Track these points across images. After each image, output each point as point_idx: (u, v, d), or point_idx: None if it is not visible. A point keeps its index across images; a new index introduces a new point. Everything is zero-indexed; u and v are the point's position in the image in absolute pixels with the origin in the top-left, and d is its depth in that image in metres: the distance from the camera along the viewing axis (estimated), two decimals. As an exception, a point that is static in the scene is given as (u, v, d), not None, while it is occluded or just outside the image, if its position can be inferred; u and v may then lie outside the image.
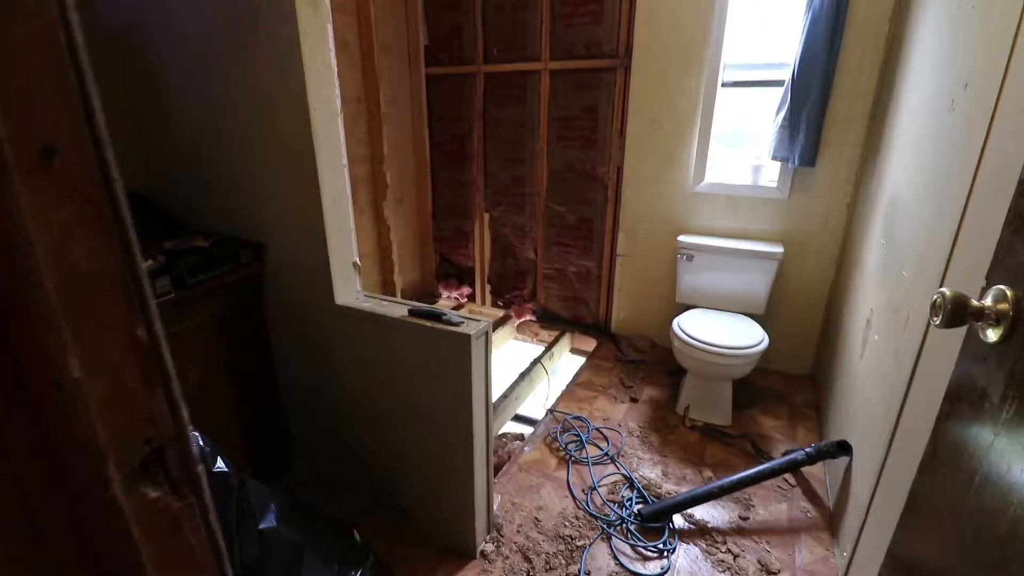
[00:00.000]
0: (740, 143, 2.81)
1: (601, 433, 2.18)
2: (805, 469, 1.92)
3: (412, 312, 1.43)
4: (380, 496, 1.76)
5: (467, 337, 1.32)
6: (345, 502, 1.80)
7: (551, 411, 2.36)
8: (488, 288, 3.50)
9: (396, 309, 1.48)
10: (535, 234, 3.18)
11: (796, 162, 2.34)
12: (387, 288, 3.29)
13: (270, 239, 1.63)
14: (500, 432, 2.46)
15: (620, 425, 2.25)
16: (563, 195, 3.02)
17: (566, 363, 3.43)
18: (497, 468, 2.12)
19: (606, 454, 2.04)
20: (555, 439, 2.13)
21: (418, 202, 3.45)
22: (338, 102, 1.44)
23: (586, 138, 2.85)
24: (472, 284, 3.56)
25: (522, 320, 3.37)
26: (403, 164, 3.25)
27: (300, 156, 1.42)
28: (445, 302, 3.68)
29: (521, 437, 2.36)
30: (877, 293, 1.69)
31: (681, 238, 2.59)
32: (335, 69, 1.41)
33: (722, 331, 2.20)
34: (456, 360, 1.36)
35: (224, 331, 1.61)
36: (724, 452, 2.09)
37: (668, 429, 2.23)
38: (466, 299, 3.61)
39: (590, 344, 3.17)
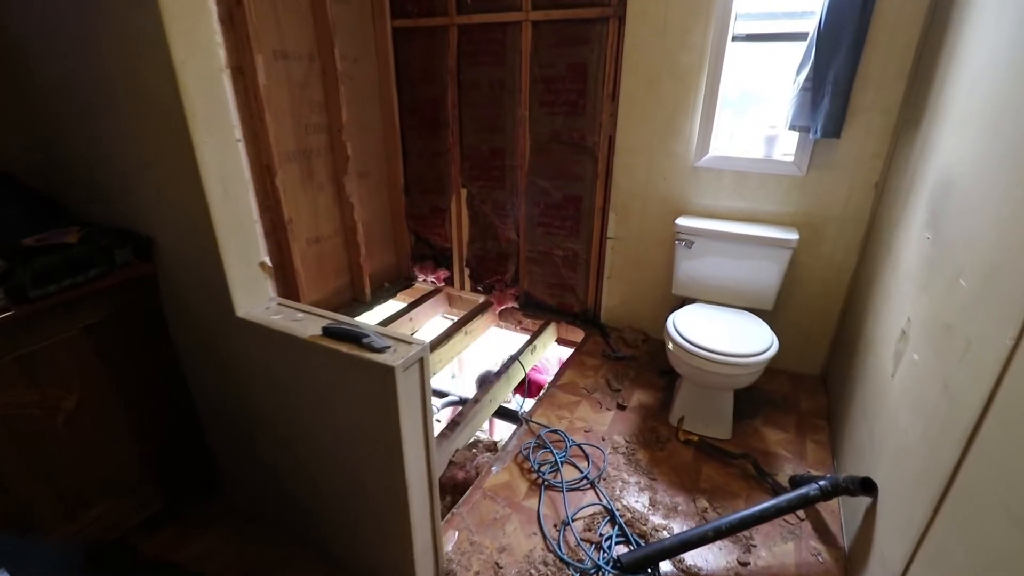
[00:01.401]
0: (752, 109, 2.42)
1: (582, 450, 1.90)
2: (816, 499, 1.64)
3: (328, 332, 1.12)
4: (308, 535, 1.49)
5: (390, 370, 1.00)
6: (273, 538, 1.54)
7: (526, 420, 2.07)
8: (467, 272, 3.17)
9: (309, 326, 1.16)
10: (517, 213, 2.84)
11: (817, 132, 1.98)
12: (355, 273, 2.96)
13: (160, 231, 1.30)
14: (471, 441, 2.18)
15: (604, 439, 1.97)
16: (548, 169, 2.66)
17: (552, 353, 3.13)
18: (462, 487, 1.85)
19: (585, 477, 1.76)
20: (527, 457, 1.85)
21: (388, 176, 3.09)
22: (223, 55, 1.09)
23: (573, 103, 2.47)
24: (450, 267, 3.23)
25: (504, 307, 3.06)
26: (367, 132, 2.87)
27: (171, 125, 1.07)
28: (422, 286, 3.36)
29: (494, 447, 2.08)
30: (917, 299, 1.36)
31: (680, 221, 2.25)
32: (213, 9, 1.05)
33: (724, 333, 1.89)
34: (379, 395, 1.05)
35: (107, 345, 1.30)
36: (722, 474, 1.81)
37: (659, 444, 1.95)
38: (443, 283, 3.29)
39: (578, 335, 2.87)
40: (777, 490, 1.72)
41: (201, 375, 1.48)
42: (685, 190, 2.36)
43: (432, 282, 3.30)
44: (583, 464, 1.84)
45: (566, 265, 2.81)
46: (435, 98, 2.81)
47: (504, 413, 2.79)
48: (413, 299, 3.23)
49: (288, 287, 2.58)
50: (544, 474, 1.77)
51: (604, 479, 1.77)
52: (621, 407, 2.15)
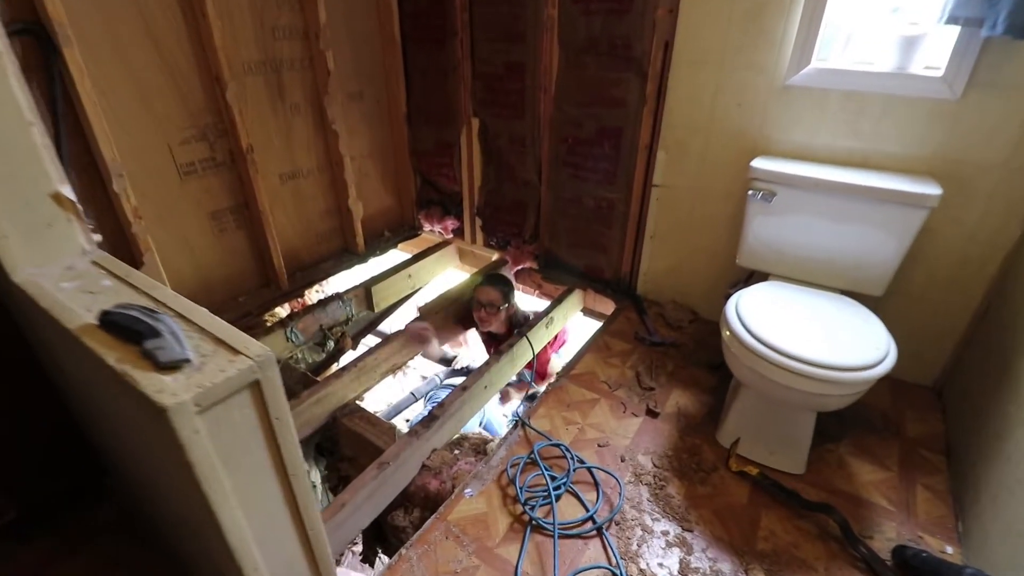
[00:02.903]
0: None
1: (591, 475, 1.39)
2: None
3: (107, 321, 0.63)
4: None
5: (161, 412, 0.51)
6: (144, 565, 1.15)
7: (522, 422, 1.58)
8: (479, 223, 2.63)
9: (97, 305, 0.67)
10: (539, 149, 2.23)
11: (997, 27, 1.25)
12: (344, 218, 2.49)
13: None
14: (456, 437, 1.72)
15: (624, 459, 1.45)
16: (580, 91, 2.02)
17: (577, 327, 2.60)
18: (435, 501, 1.41)
19: (590, 518, 1.26)
20: (512, 481, 1.36)
21: (388, 98, 2.53)
22: None
23: (618, -7, 1.80)
24: (460, 216, 2.69)
25: (521, 267, 2.52)
26: (358, 43, 2.30)
27: None
28: (429, 236, 2.86)
29: (483, 449, 1.62)
30: None
31: (757, 163, 1.60)
32: None
33: (815, 330, 1.29)
34: (162, 441, 0.56)
35: None
36: (790, 529, 1.27)
37: (701, 473, 1.41)
38: (452, 235, 2.77)
39: (607, 306, 2.31)
40: (874, 567, 1.17)
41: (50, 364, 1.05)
42: (768, 121, 1.68)
43: (439, 232, 2.79)
44: (590, 495, 1.33)
45: (598, 218, 2.21)
46: (441, -4, 2.19)
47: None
48: (418, 251, 2.74)
49: (254, 232, 2.14)
50: (534, 507, 1.28)
51: (617, 523, 1.26)
52: (652, 413, 1.61)
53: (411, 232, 2.85)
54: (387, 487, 1.46)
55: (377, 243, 2.68)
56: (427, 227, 2.82)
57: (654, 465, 1.43)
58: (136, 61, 1.66)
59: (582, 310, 2.45)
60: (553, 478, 1.36)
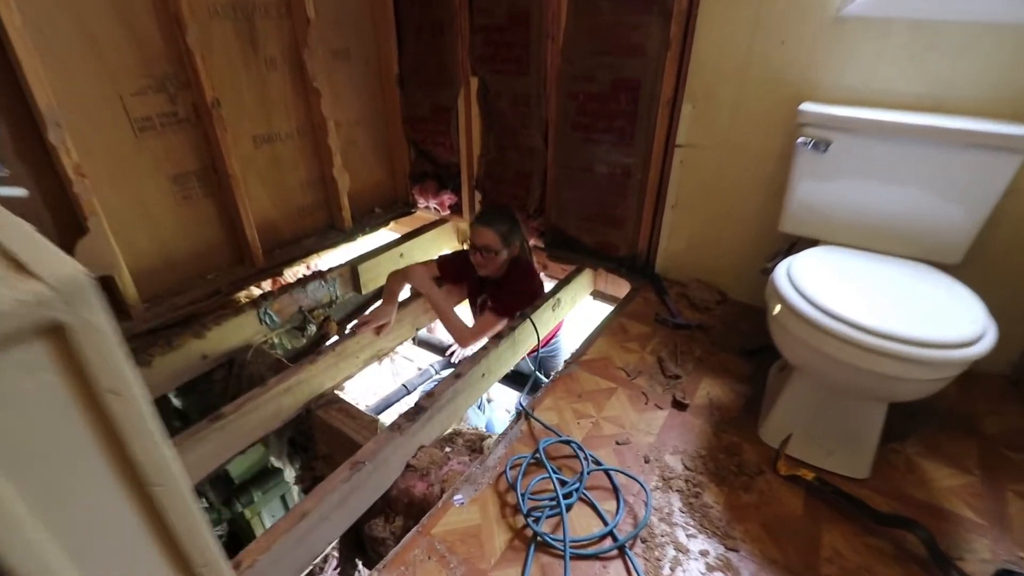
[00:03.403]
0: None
1: (609, 479, 1.14)
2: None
3: None
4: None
5: None
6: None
7: (526, 414, 1.33)
8: (478, 197, 2.38)
9: None
10: (545, 109, 1.98)
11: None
12: (329, 190, 2.24)
13: None
14: (448, 432, 1.48)
15: (648, 460, 1.20)
16: (591, 39, 1.77)
17: (585, 313, 2.34)
18: (420, 508, 1.17)
19: (609, 533, 1.01)
20: (513, 485, 1.11)
21: (378, 58, 2.28)
22: None
23: (639, -83, 1.54)
24: (457, 190, 2.45)
25: (524, 246, 2.27)
26: (343, -10, 2.05)
27: None
28: (424, 214, 2.62)
29: (479, 447, 1.37)
30: None
31: (807, 106, 1.34)
32: None
33: (894, 300, 1.04)
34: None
35: None
36: (860, 548, 1.02)
37: (745, 477, 1.16)
38: (449, 211, 2.52)
39: (621, 288, 2.06)
40: (974, 598, 0.91)
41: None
42: (816, 61, 1.42)
43: (435, 209, 2.54)
44: (608, 505, 1.09)
45: (612, 187, 1.96)
46: (435, -64, 1.94)
47: (517, 377, 2.06)
48: (411, 230, 2.49)
49: (224, 200, 1.89)
50: (539, 519, 1.04)
51: (644, 540, 1.01)
52: (680, 405, 1.36)
53: (404, 209, 2.61)
54: (363, 491, 1.22)
55: (367, 220, 2.44)
56: (422, 203, 2.58)
57: (685, 467, 1.18)
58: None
59: (592, 293, 2.21)
60: (563, 482, 1.11)
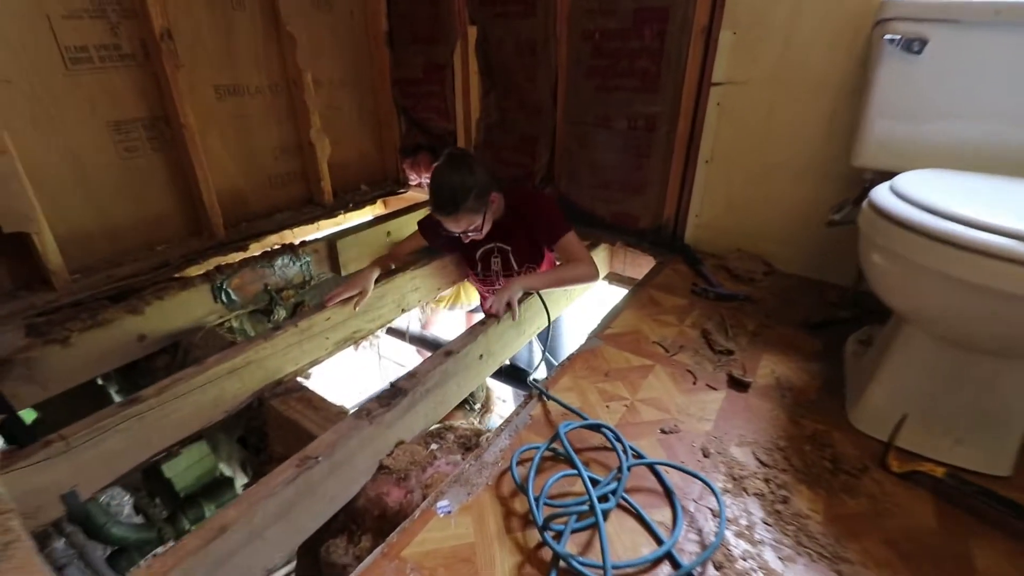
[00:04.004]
0: None
1: (658, 477, 0.81)
2: None
3: None
4: None
5: None
6: None
7: (539, 393, 1.01)
8: (477, 167, 2.09)
9: None
10: (554, 55, 1.71)
11: None
12: (307, 157, 1.96)
13: None
14: (436, 427, 1.16)
15: (709, 453, 0.87)
16: (611, -37, 1.51)
17: (598, 304, 2.03)
18: (393, 521, 0.84)
19: (667, 555, 0.68)
20: (522, 486, 0.78)
21: (365, 10, 2.03)
22: None
23: None
24: (453, 162, 2.16)
25: (530, 223, 1.97)
26: (324, -73, 1.81)
27: None
28: (416, 193, 2.33)
29: (474, 442, 1.05)
30: None
31: (892, 1, 1.05)
32: None
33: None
34: None
35: None
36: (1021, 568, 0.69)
37: (844, 475, 0.83)
38: (444, 188, 2.22)
39: (642, 268, 1.75)
40: None
41: None
42: (893, -41, 1.15)
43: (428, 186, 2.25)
44: (659, 513, 0.76)
45: (632, 145, 1.67)
46: None
47: (516, 373, 1.76)
48: (401, 208, 2.20)
49: (178, 158, 1.61)
50: (561, 534, 0.70)
51: (720, 566, 0.68)
52: (739, 384, 1.04)
53: (393, 188, 2.33)
54: (316, 499, 0.89)
55: (350, 197, 2.15)
56: (413, 179, 2.30)
57: (761, 463, 0.85)
58: None
59: (607, 275, 1.89)
60: (595, 482, 0.78)
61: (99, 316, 1.32)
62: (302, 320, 1.32)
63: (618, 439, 0.85)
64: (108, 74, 1.43)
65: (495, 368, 1.38)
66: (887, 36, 1.01)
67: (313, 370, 1.44)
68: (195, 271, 1.61)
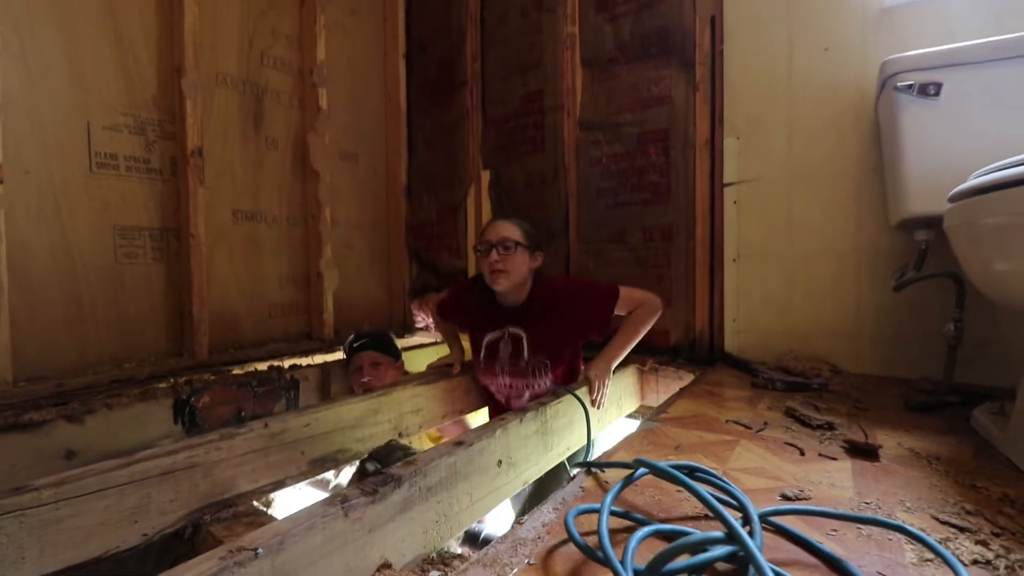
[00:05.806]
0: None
1: (800, 541, 0.50)
2: None
3: None
4: None
5: None
6: None
7: (590, 464, 0.71)
8: (488, 300, 2.01)
9: None
10: (564, 183, 1.79)
11: None
12: (313, 289, 1.89)
13: None
14: (441, 550, 0.80)
15: (873, 511, 0.56)
16: (609, 103, 1.69)
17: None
18: None
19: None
20: (601, 555, 0.47)
21: (388, 167, 2.22)
22: None
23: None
24: (463, 299, 2.09)
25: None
26: (360, 101, 2.09)
27: None
28: (423, 337, 2.20)
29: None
30: None
31: (895, 56, 1.11)
32: None
33: None
34: None
35: None
36: None
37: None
38: (452, 325, 2.11)
39: (672, 382, 1.52)
40: None
41: None
42: (868, 60, 1.27)
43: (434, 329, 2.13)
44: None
45: (650, 257, 1.62)
46: (449, 55, 2.07)
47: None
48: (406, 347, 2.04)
49: (179, 271, 1.53)
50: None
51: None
52: (864, 451, 0.75)
53: (400, 332, 2.20)
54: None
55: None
56: (419, 321, 2.19)
57: (955, 527, 0.54)
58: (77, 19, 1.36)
59: (634, 413, 1.64)
60: (706, 543, 0.47)
61: (25, 416, 1.05)
62: (274, 421, 1.06)
63: (736, 494, 0.55)
64: (130, 183, 1.46)
65: (517, 487, 1.05)
66: (900, 84, 1.04)
67: (277, 495, 1.10)
68: (164, 386, 1.37)
